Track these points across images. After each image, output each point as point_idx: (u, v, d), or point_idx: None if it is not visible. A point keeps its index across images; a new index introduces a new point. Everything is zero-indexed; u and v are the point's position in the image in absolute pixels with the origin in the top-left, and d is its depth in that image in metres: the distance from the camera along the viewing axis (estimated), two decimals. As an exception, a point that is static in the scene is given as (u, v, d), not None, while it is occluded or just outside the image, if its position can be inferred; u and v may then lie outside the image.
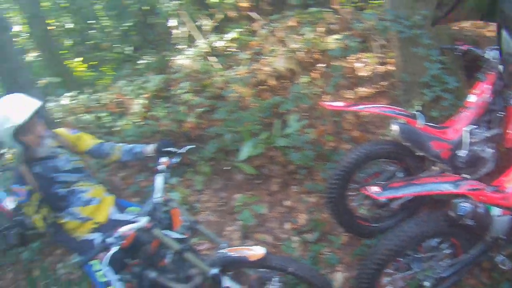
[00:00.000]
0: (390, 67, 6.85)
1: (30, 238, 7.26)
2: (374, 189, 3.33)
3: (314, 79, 6.75)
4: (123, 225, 3.27)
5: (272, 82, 7.15)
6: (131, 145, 4.26)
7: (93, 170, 6.63)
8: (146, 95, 8.17)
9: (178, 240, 3.53)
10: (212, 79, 7.77)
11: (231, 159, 6.47)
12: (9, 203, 6.90)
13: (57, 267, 6.36)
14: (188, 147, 4.20)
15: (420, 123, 4.32)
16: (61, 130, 4.08)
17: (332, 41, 7.08)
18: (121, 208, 4.24)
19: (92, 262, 3.76)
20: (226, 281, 3.64)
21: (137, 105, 8.16)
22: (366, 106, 4.58)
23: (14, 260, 7.10)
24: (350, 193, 4.72)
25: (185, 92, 7.57)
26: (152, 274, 3.70)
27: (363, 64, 6.98)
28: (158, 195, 3.59)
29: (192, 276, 3.77)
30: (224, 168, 6.52)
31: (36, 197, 3.75)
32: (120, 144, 4.30)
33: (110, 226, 3.85)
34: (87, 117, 9.14)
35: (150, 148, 4.09)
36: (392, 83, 6.58)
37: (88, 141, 4.16)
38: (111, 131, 8.23)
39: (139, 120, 7.93)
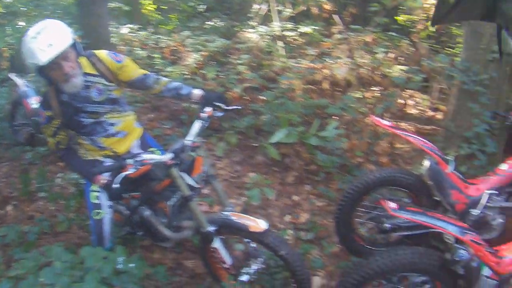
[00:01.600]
0: (439, 115, 6.86)
1: (39, 141, 7.36)
2: (392, 205, 3.35)
3: (366, 98, 6.78)
4: None
5: (326, 85, 7.21)
6: (178, 83, 3.97)
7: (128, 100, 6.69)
8: (203, 53, 8.26)
9: (190, 187, 3.45)
10: (272, 62, 7.84)
11: (260, 139, 6.55)
12: (33, 102, 6.99)
13: (55, 177, 6.37)
14: (235, 107, 4.01)
15: (449, 169, 4.31)
16: (105, 56, 3.69)
17: (398, 70, 7.11)
18: (145, 144, 4.09)
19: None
20: (216, 243, 3.60)
21: (192, 59, 8.24)
22: (408, 134, 4.58)
23: (15, 156, 7.19)
24: (359, 209, 4.73)
25: (241, 64, 7.65)
26: (147, 212, 3.71)
27: (415, 103, 7.00)
28: (190, 138, 3.52)
29: (183, 228, 3.77)
30: (251, 144, 6.57)
31: (55, 123, 3.59)
32: (166, 79, 4.00)
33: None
34: (141, 52, 9.25)
35: (197, 94, 3.83)
36: (436, 128, 6.59)
37: (133, 71, 3.80)
38: (158, 74, 8.19)
39: (188, 74, 8.01)
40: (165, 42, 9.90)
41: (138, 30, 10.65)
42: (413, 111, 7.27)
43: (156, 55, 9.20)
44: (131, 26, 10.79)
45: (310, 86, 7.43)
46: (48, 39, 3.17)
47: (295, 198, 5.74)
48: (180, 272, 4.47)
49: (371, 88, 7.11)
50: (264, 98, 6.84)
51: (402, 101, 7.04)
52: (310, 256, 4.82)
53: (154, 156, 3.28)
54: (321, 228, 5.17)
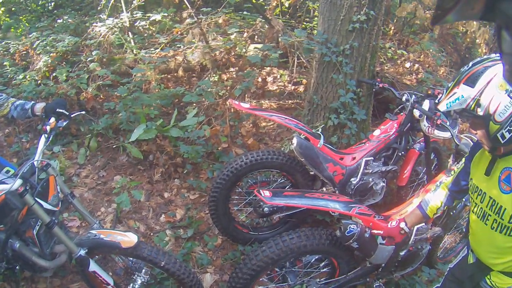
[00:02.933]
0: (301, 88, 6.85)
1: None
2: (266, 193, 3.26)
3: (223, 80, 6.65)
4: None
5: (180, 72, 7.02)
6: (22, 101, 3.78)
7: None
8: (53, 54, 7.80)
9: (48, 211, 3.19)
10: (123, 55, 7.55)
11: (120, 138, 6.28)
12: None
13: None
14: (79, 112, 3.89)
15: (320, 143, 4.30)
16: None
17: (253, 48, 7.02)
18: None
19: None
20: (92, 266, 3.38)
21: (42, 62, 7.77)
22: (272, 114, 4.50)
23: None
24: (233, 197, 4.70)
25: (92, 61, 7.28)
26: (16, 244, 3.39)
27: (274, 80, 6.97)
28: (37, 158, 3.26)
29: (58, 253, 3.54)
30: (111, 146, 6.28)
31: None
32: (13, 99, 3.82)
33: None
34: (-11, 62, 8.56)
35: (39, 107, 3.66)
36: (298, 102, 6.57)
37: None
38: (9, 83, 7.78)
39: (39, 79, 7.57)
40: (14, 47, 9.26)
41: (-17, 38, 9.89)
42: (274, 87, 7.23)
43: (6, 63, 8.58)
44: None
45: (165, 75, 7.23)
46: None
47: (166, 195, 5.61)
48: (69, 299, 4.25)
49: (228, 70, 6.97)
50: (119, 93, 6.52)
51: (260, 80, 6.96)
52: (194, 254, 4.75)
53: (2, 186, 2.99)
54: (199, 222, 5.10)
